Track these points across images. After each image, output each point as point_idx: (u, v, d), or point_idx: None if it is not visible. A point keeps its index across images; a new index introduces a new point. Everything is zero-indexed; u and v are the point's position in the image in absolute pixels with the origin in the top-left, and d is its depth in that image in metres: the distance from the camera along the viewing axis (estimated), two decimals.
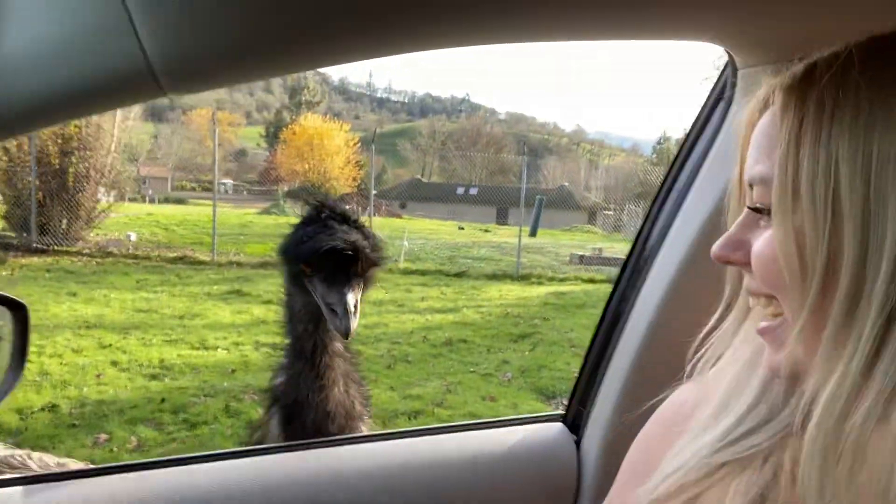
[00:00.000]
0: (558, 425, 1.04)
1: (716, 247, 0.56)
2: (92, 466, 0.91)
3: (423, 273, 11.01)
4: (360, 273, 1.12)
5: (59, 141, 11.07)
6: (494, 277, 11.09)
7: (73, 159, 11.13)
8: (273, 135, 47.42)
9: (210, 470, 0.85)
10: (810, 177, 0.47)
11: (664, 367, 0.93)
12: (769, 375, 0.57)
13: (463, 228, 21.38)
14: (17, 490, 0.79)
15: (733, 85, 0.83)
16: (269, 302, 7.94)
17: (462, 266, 11.92)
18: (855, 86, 0.46)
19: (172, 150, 39.44)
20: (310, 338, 1.15)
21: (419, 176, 44.51)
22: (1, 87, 0.44)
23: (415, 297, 8.96)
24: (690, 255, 0.88)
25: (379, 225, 15.14)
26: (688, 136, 0.92)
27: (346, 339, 1.07)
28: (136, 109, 13.74)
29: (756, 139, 0.54)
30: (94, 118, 11.18)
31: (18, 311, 0.97)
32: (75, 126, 11.03)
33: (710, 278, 0.90)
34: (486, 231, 20.89)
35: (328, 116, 40.25)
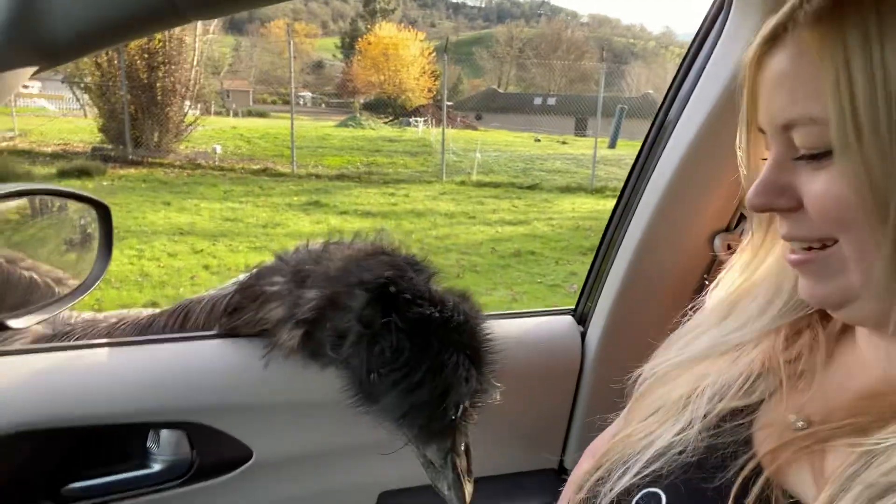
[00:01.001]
0: (567, 318, 1.14)
1: (753, 195, 0.54)
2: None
3: (495, 186, 11.01)
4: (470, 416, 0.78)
5: (146, 56, 11.51)
6: (568, 190, 10.97)
7: (160, 73, 11.59)
8: (349, 45, 47.10)
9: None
10: (870, 109, 0.46)
11: (654, 272, 1.01)
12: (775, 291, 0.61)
13: (539, 140, 20.93)
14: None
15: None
16: (345, 213, 8.26)
17: (536, 179, 11.82)
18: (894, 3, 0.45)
19: (253, 63, 40.06)
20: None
21: (495, 86, 43.37)
22: (49, 17, 0.54)
23: (486, 210, 9.04)
24: (687, 163, 0.92)
25: (453, 137, 15.07)
26: (693, 41, 0.94)
27: None
28: (216, 22, 13.96)
29: (783, 79, 0.51)
30: (176, 31, 11.49)
31: (102, 210, 1.13)
32: (159, 41, 11.41)
33: (701, 188, 0.95)
34: (563, 143, 20.38)
35: (403, 25, 39.42)
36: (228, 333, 0.96)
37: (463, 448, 0.79)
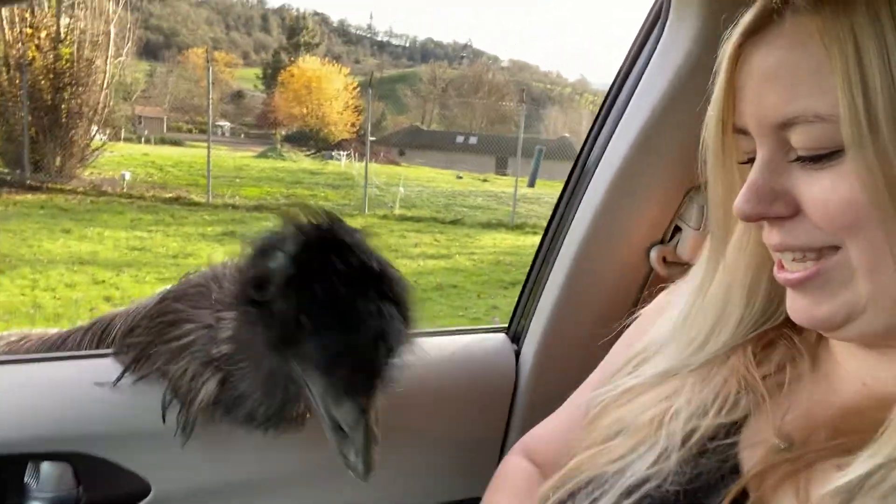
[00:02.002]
0: (501, 336, 1.10)
1: (743, 203, 0.48)
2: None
3: (417, 220, 11.04)
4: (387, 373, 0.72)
5: (51, 76, 10.91)
6: (489, 226, 11.13)
7: (66, 95, 10.99)
8: (271, 77, 46.62)
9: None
10: (887, 101, 0.42)
11: (590, 287, 0.99)
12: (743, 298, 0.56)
13: (461, 178, 21.27)
14: None
15: (668, 5, 0.85)
16: None
17: (458, 214, 11.94)
18: None
19: (168, 90, 38.80)
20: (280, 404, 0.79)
21: (419, 123, 43.98)
22: None
23: (408, 243, 9.01)
24: (622, 176, 0.92)
25: (376, 171, 15.05)
26: (628, 54, 0.94)
27: (365, 479, 0.69)
28: (129, 45, 13.46)
29: (775, 74, 0.47)
30: (86, 52, 11.00)
31: None
32: (66, 61, 10.86)
33: (636, 201, 0.95)
34: (485, 181, 20.79)
35: (327, 59, 39.52)
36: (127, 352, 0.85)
37: (376, 413, 0.71)
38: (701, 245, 0.93)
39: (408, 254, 8.34)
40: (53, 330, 1.01)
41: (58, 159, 11.09)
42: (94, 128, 11.86)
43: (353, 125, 32.70)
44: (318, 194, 13.05)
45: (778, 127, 0.47)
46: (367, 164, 12.51)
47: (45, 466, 0.84)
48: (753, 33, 0.48)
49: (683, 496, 0.51)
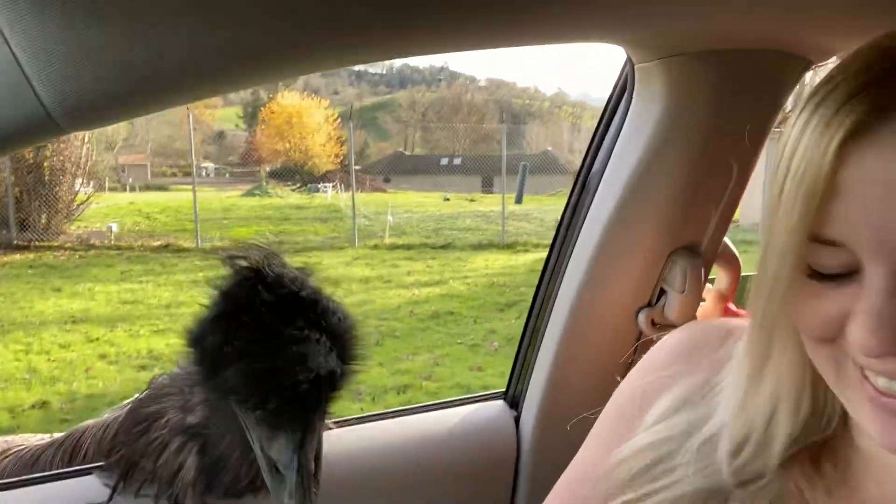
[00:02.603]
0: (499, 402, 1.10)
1: (869, 336, 0.41)
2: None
3: (408, 247, 11.04)
4: (324, 406, 0.71)
5: None
6: (480, 247, 11.15)
7: (47, 153, 10.98)
8: (251, 115, 46.85)
9: None
10: None
11: (587, 346, 1.00)
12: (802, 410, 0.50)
13: (448, 199, 21.34)
14: None
15: (633, 79, 0.86)
16: None
17: (448, 238, 11.96)
18: None
19: (150, 136, 38.87)
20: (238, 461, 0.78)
21: (402, 149, 44.24)
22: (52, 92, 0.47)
23: (401, 272, 9.01)
24: (604, 243, 0.93)
25: (363, 201, 15.09)
26: (598, 125, 0.96)
27: None
28: None
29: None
30: None
31: None
32: None
33: (620, 266, 0.96)
34: (472, 200, 20.88)
35: (306, 93, 39.73)
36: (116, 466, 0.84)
37: (313, 453, 0.70)
38: (686, 308, 0.95)
39: (402, 283, 8.33)
40: (35, 437, 1.01)
41: (43, 217, 11.05)
42: (79, 181, 11.85)
43: (336, 156, 32.83)
44: (307, 229, 13.04)
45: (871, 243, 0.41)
46: (353, 194, 12.55)
47: None
48: (858, 133, 0.41)
49: None
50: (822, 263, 0.44)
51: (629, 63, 0.85)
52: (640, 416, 0.61)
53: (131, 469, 0.81)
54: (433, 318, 6.65)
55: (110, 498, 0.81)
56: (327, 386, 0.69)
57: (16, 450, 1.00)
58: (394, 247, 11.03)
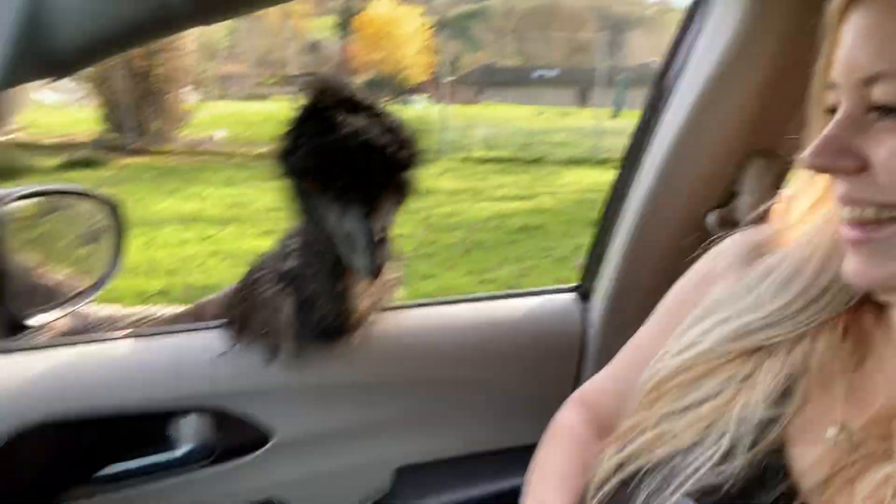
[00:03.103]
0: (570, 295, 1.17)
1: (813, 153, 0.50)
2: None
3: (499, 161, 10.99)
4: (387, 184, 0.79)
5: None
6: (572, 162, 10.93)
7: (159, 61, 11.55)
8: (345, 24, 46.61)
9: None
10: None
11: (656, 243, 1.03)
12: (816, 274, 0.56)
13: (542, 113, 20.81)
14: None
15: None
16: None
17: (539, 152, 11.77)
18: None
19: (250, 47, 39.74)
20: (333, 262, 0.87)
21: (494, 60, 42.98)
22: (56, 30, 0.56)
23: (491, 185, 9.03)
24: (682, 138, 0.94)
25: (454, 113, 14.99)
26: (680, 25, 0.95)
27: (372, 279, 0.79)
28: None
29: (871, 30, 0.48)
30: None
31: (112, 207, 1.16)
32: None
33: (692, 168, 0.97)
34: (566, 114, 20.26)
35: (400, 1, 38.91)
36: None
37: (381, 226, 0.80)
38: (756, 210, 0.95)
39: (490, 196, 8.37)
40: (165, 309, 1.19)
41: (156, 123, 11.79)
42: (186, 90, 12.45)
43: (428, 67, 32.40)
44: None
45: (863, 82, 0.48)
46: (444, 106, 12.48)
47: (187, 419, 1.02)
48: None
49: (739, 496, 0.52)
50: (828, 103, 0.53)
51: None
52: (697, 302, 0.66)
53: (244, 323, 0.96)
54: (521, 231, 6.70)
55: (229, 350, 0.96)
56: (387, 165, 0.78)
57: (154, 316, 1.18)
58: (483, 160, 11.01)
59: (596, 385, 0.81)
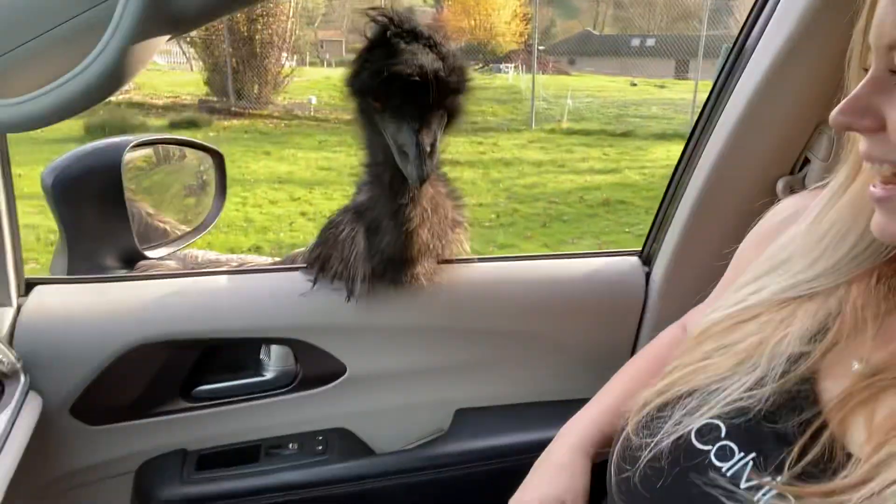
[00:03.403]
0: (633, 259, 1.20)
1: (837, 112, 0.52)
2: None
3: (586, 133, 10.75)
4: (437, 104, 0.88)
5: (245, 9, 11.90)
6: (663, 137, 10.54)
7: (259, 26, 11.98)
8: None
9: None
10: None
11: (717, 214, 1.05)
12: (860, 236, 0.59)
13: (636, 84, 20.05)
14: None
15: None
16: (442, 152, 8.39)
17: (629, 125, 11.42)
18: None
19: (345, 12, 40.39)
20: (390, 177, 0.96)
21: (590, 28, 41.54)
22: None
23: (576, 158, 8.89)
24: (754, 105, 0.94)
25: (544, 83, 14.72)
26: None
27: (420, 185, 0.88)
28: None
29: None
30: None
31: (217, 158, 1.29)
32: None
33: (764, 134, 0.97)
34: (662, 87, 19.43)
35: None
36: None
37: (430, 140, 0.89)
38: (825, 177, 0.95)
39: (575, 169, 8.26)
40: (262, 258, 1.32)
41: (255, 87, 12.28)
42: (284, 55, 12.87)
43: (521, 35, 31.81)
44: (486, 109, 13.13)
45: (889, 47, 0.50)
46: (533, 76, 12.30)
47: (274, 348, 1.14)
48: None
49: (766, 418, 0.56)
50: (867, 64, 0.54)
51: None
52: (754, 259, 0.71)
53: (325, 263, 1.07)
54: (603, 205, 6.60)
55: (313, 285, 1.07)
56: (436, 87, 0.86)
57: (249, 264, 1.32)
58: (571, 132, 10.81)
59: (697, 310, 0.87)
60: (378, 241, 1.01)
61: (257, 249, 5.14)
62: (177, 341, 1.04)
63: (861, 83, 0.52)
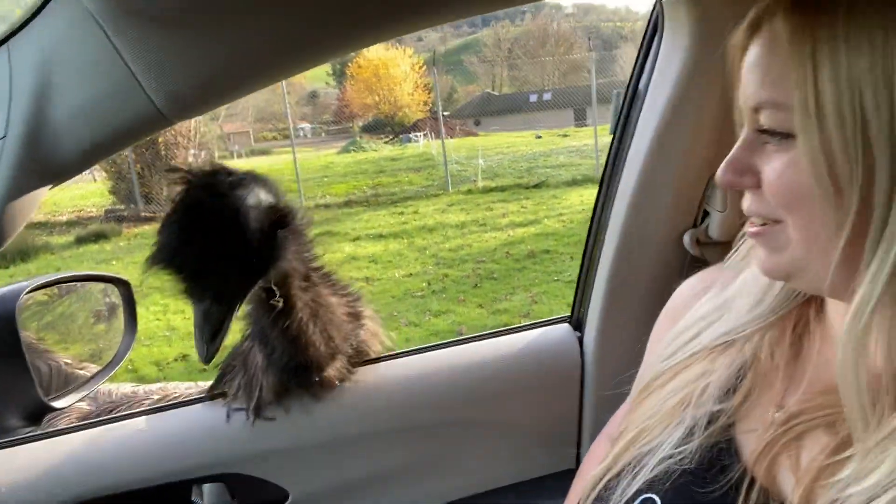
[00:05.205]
0: (564, 326, 1.21)
1: (721, 172, 0.56)
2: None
3: (502, 189, 11.07)
4: (219, 280, 0.84)
5: None
6: (574, 183, 10.99)
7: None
8: (340, 72, 47.58)
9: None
10: (835, 99, 0.47)
11: (639, 268, 1.08)
12: (769, 285, 0.62)
13: (541, 137, 20.97)
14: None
15: (662, 14, 0.91)
16: (357, 238, 8.37)
17: (541, 176, 11.86)
18: (864, 5, 0.48)
19: (249, 103, 40.58)
20: (260, 289, 0.92)
21: (489, 89, 43.51)
22: (55, 143, 0.62)
23: (496, 214, 9.10)
24: (645, 174, 0.99)
25: (454, 147, 15.17)
26: (636, 58, 1.02)
27: (206, 363, 0.87)
28: None
29: (756, 64, 0.54)
30: None
31: (123, 287, 1.22)
32: None
33: (663, 191, 1.02)
34: (565, 136, 20.41)
35: (390, 44, 39.71)
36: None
37: (218, 321, 0.87)
38: (728, 226, 1.00)
39: (496, 225, 8.43)
40: (184, 384, 1.25)
41: (165, 189, 12.04)
42: (191, 152, 12.74)
43: (425, 104, 32.92)
44: (401, 179, 13.35)
45: (753, 110, 0.54)
46: (443, 141, 12.65)
47: (207, 487, 1.06)
48: (750, 30, 0.56)
49: (693, 475, 0.58)
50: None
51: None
52: (684, 314, 0.74)
53: (233, 386, 1.03)
54: (529, 257, 6.74)
55: (233, 416, 1.02)
56: (214, 263, 0.83)
57: (170, 396, 1.24)
58: (487, 190, 11.11)
59: (616, 419, 0.87)
60: (270, 353, 0.98)
61: (184, 358, 4.89)
62: (95, 501, 0.95)
63: (737, 144, 0.56)
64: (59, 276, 1.19)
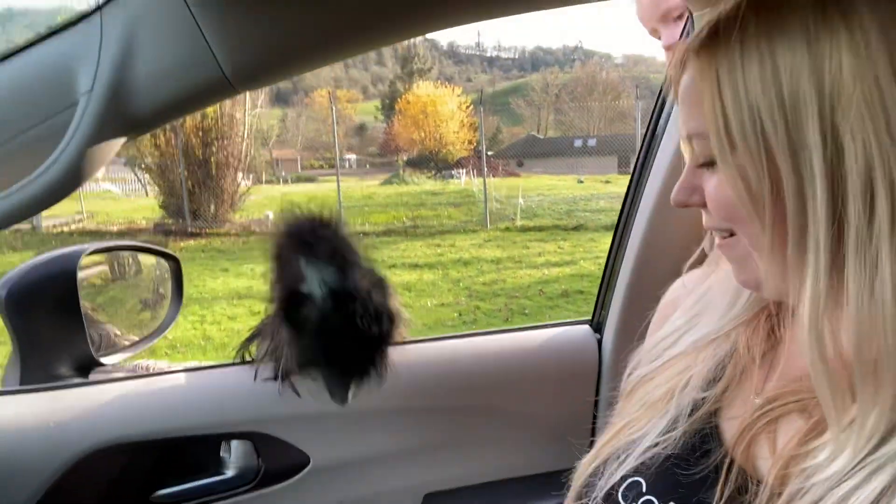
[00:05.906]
0: (585, 327, 1.26)
1: (673, 194, 0.62)
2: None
3: (539, 229, 11.10)
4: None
5: (200, 133, 12.29)
6: (612, 228, 10.95)
7: (214, 149, 12.31)
8: (389, 106, 48.73)
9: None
10: (739, 125, 0.52)
11: (657, 274, 1.12)
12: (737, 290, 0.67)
13: (582, 181, 20.99)
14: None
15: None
16: (393, 266, 8.48)
17: (580, 219, 11.86)
18: (755, 36, 0.52)
19: (299, 132, 41.82)
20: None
21: (534, 132, 43.87)
22: (133, 101, 0.70)
23: (532, 253, 9.13)
24: (666, 186, 1.05)
25: (496, 185, 15.31)
26: (655, 102, 1.09)
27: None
28: (263, 96, 14.83)
29: (683, 99, 0.58)
30: (227, 108, 12.28)
31: (173, 262, 1.32)
32: (211, 118, 12.19)
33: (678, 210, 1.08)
34: (607, 182, 20.39)
35: (440, 82, 40.63)
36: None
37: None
38: None
39: (532, 263, 8.45)
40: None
41: (212, 206, 12.44)
42: (240, 174, 13.16)
43: (469, 142, 33.33)
44: (441, 213, 13.50)
45: (686, 138, 0.60)
46: (485, 179, 12.79)
47: (235, 444, 1.12)
48: (679, 67, 0.60)
49: (677, 459, 0.62)
50: None
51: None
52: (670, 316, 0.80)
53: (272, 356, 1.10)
54: (562, 296, 6.73)
55: (255, 377, 1.10)
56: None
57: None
58: (525, 229, 11.15)
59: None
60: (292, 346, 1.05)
61: None
62: (131, 444, 1.02)
63: (685, 168, 0.62)
64: (116, 244, 1.29)
